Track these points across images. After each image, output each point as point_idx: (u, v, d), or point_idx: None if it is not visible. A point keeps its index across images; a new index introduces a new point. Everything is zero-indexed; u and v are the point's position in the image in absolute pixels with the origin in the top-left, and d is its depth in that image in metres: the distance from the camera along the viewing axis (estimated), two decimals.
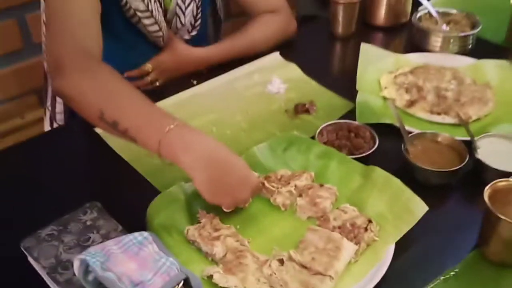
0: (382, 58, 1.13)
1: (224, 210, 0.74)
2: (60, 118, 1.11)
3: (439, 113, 0.96)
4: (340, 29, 1.25)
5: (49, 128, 1.13)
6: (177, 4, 1.08)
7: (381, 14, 1.29)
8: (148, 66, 1.07)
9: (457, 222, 0.78)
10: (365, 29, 1.29)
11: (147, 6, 1.01)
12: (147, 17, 1.03)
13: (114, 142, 0.91)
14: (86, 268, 0.64)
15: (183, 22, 1.11)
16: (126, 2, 1.00)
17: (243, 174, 0.74)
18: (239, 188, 0.74)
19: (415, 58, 1.13)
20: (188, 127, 0.73)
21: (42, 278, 0.68)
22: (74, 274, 0.65)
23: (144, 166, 0.87)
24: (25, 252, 0.69)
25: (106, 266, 0.63)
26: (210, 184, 0.72)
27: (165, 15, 1.08)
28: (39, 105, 1.47)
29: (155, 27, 1.05)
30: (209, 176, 0.71)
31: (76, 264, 0.65)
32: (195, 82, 1.08)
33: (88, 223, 0.73)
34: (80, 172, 0.89)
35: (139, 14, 1.02)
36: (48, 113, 1.12)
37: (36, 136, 0.97)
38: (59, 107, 1.10)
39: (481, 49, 1.16)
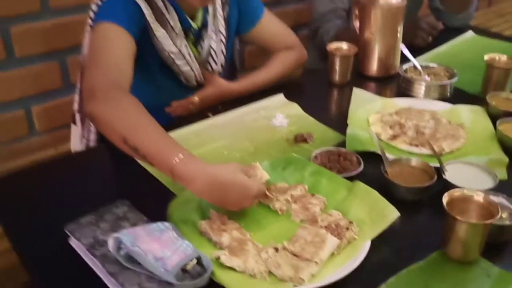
0: (372, 101, 1.32)
1: None
2: (92, 144, 1.29)
3: (417, 145, 1.13)
4: (337, 78, 1.44)
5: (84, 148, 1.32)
6: (210, 54, 1.29)
7: (373, 66, 1.49)
8: (196, 99, 1.27)
9: (425, 229, 0.93)
10: (359, 78, 1.48)
11: (180, 50, 1.22)
12: (180, 59, 1.23)
13: None
14: (119, 245, 0.80)
15: (214, 68, 1.32)
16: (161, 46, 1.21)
17: (242, 189, 0.86)
18: (241, 200, 0.88)
19: (400, 102, 1.31)
20: (192, 159, 0.86)
21: (80, 255, 0.83)
22: (109, 250, 0.80)
23: (165, 176, 1.03)
24: (69, 234, 0.85)
25: (135, 243, 0.79)
26: (217, 203, 0.88)
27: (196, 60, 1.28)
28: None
29: (187, 67, 1.26)
30: (215, 198, 0.86)
31: (111, 242, 0.80)
32: (210, 115, 1.27)
33: (120, 214, 0.89)
34: (113, 180, 1.07)
35: (172, 56, 1.22)
36: (84, 141, 1.31)
37: (77, 153, 1.15)
38: (93, 136, 1.29)
39: (458, 97, 1.35)
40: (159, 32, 1.19)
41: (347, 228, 0.87)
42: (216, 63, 1.33)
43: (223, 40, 1.33)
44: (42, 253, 0.86)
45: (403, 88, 1.39)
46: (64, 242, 0.86)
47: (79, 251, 0.84)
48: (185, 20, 1.24)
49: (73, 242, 0.86)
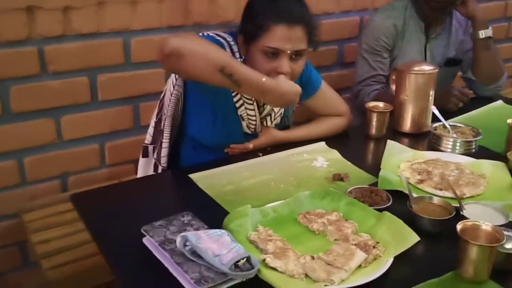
0: (404, 151, 1.49)
1: None
2: (163, 160, 1.49)
3: (440, 189, 1.28)
4: (373, 131, 1.63)
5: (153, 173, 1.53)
6: (270, 114, 1.51)
7: (407, 124, 1.67)
8: (251, 146, 1.48)
9: (443, 255, 1.07)
10: (394, 133, 1.66)
11: (251, 98, 1.43)
12: (250, 104, 1.44)
13: (202, 183, 1.30)
14: (185, 242, 0.99)
15: (267, 125, 1.54)
16: None
17: (297, 97, 1.31)
18: (293, 101, 1.32)
19: (429, 154, 1.47)
20: (272, 79, 1.25)
21: (151, 252, 1.02)
22: (176, 246, 0.99)
23: (220, 198, 1.24)
24: (144, 233, 1.05)
25: (198, 241, 0.98)
26: (283, 105, 1.38)
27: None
28: (134, 173, 1.86)
29: (253, 112, 1.46)
30: (281, 102, 1.31)
31: (179, 239, 0.99)
32: (261, 154, 1.48)
33: (185, 221, 1.09)
34: (179, 197, 1.28)
35: (244, 99, 1.43)
36: (153, 161, 1.53)
37: (150, 176, 1.38)
38: (164, 151, 1.49)
39: (482, 153, 1.50)
40: None
41: (374, 247, 1.03)
42: (271, 122, 1.54)
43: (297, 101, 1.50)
44: (122, 252, 1.06)
45: (433, 143, 1.56)
46: (139, 242, 1.05)
47: (150, 247, 1.04)
48: None
49: (147, 241, 1.05)
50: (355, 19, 2.38)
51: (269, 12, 1.31)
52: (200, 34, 1.43)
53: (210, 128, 1.46)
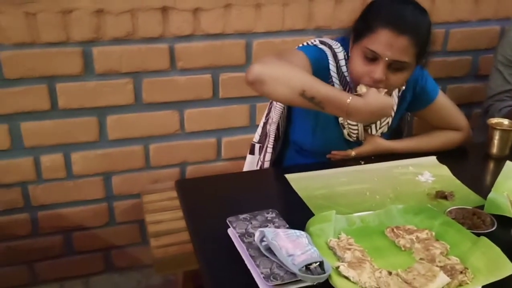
0: None
1: None
2: (266, 164, 1.55)
3: None
4: (494, 150, 1.49)
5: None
6: (374, 122, 1.46)
7: None
8: (353, 153, 1.46)
9: None
10: None
11: None
12: None
13: (296, 184, 1.31)
14: (262, 238, 1.01)
15: (372, 133, 1.49)
16: None
17: (388, 111, 1.25)
18: (384, 116, 1.32)
19: None
20: (357, 98, 1.20)
21: (232, 241, 1.07)
22: (254, 240, 1.02)
23: (311, 201, 1.24)
24: (228, 223, 1.10)
25: (274, 239, 0.99)
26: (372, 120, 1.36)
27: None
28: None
29: (354, 123, 1.43)
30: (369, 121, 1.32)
31: (257, 234, 1.02)
32: (363, 162, 1.44)
33: (269, 218, 1.11)
34: (269, 194, 1.32)
35: None
36: (259, 163, 1.58)
37: (249, 171, 1.46)
38: (268, 156, 1.55)
39: None
40: (339, 86, 1.38)
41: (461, 272, 0.94)
42: (376, 131, 1.49)
43: (392, 114, 1.47)
44: (208, 239, 1.11)
45: None
46: (225, 233, 1.10)
47: (232, 238, 1.08)
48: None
49: (230, 231, 1.10)
50: (494, 28, 2.18)
51: (381, 14, 1.27)
52: (304, 43, 1.43)
53: (310, 134, 1.46)
